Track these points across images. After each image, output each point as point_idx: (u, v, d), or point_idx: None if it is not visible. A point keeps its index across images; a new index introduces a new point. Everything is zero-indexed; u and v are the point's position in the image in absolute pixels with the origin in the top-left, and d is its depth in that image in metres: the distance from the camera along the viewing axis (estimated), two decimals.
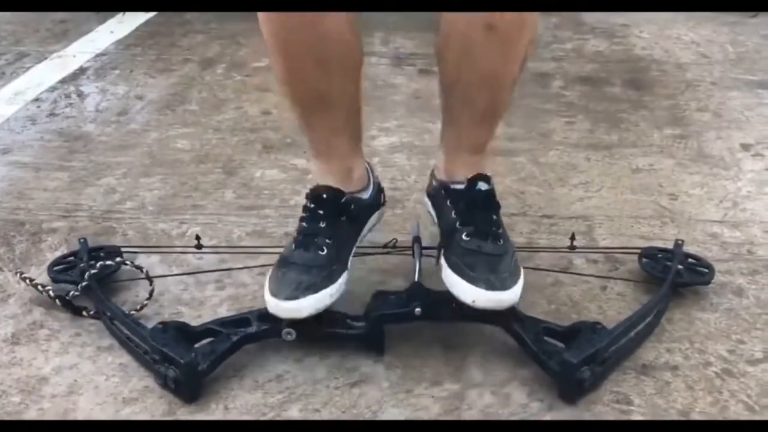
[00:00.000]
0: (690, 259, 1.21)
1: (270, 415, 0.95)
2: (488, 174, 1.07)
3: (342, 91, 1.05)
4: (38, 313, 1.14)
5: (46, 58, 2.21)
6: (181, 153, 1.65)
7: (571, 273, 1.21)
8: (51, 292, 1.12)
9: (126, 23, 2.53)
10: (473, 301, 0.96)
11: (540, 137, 1.71)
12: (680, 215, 1.41)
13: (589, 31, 2.46)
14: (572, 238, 1.24)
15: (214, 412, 0.96)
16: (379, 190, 1.17)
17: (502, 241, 1.02)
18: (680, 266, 1.17)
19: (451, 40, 1.00)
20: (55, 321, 1.12)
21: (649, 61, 2.20)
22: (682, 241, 1.22)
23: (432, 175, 1.16)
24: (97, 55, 2.23)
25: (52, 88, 1.99)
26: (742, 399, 0.98)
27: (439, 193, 1.10)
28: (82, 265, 1.17)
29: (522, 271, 1.01)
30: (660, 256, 1.21)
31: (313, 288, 0.98)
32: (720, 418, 0.95)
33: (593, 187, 1.52)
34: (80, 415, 0.95)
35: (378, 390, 0.99)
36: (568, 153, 1.65)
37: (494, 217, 1.04)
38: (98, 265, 1.14)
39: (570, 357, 0.96)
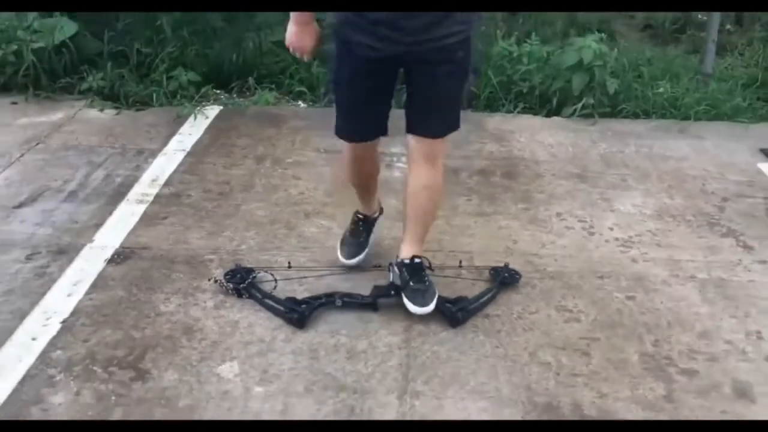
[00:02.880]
0: (511, 270, 2.69)
1: (336, 335, 2.38)
2: (419, 253, 2.52)
3: (373, 183, 2.63)
4: (221, 297, 2.55)
5: (157, 155, 3.61)
6: (262, 218, 3.07)
7: (459, 278, 2.67)
8: (231, 286, 2.54)
9: (196, 126, 3.96)
10: (415, 312, 2.41)
11: (452, 209, 3.18)
12: (516, 251, 2.89)
13: (488, 136, 3.98)
14: (460, 262, 2.72)
15: (311, 331, 2.38)
16: (381, 211, 2.76)
17: (427, 282, 2.46)
18: (506, 274, 2.65)
19: (410, 191, 2.48)
20: (231, 300, 2.53)
21: (520, 159, 3.72)
22: (507, 263, 2.70)
23: (396, 257, 2.58)
24: (188, 153, 3.64)
25: (172, 177, 3.39)
26: (521, 332, 2.45)
27: (399, 265, 2.50)
28: (239, 275, 2.59)
29: (436, 290, 2.45)
30: (498, 269, 2.69)
31: (357, 254, 2.63)
32: (507, 342, 2.41)
33: (477, 237, 2.99)
34: (259, 334, 2.37)
35: (377, 324, 2.43)
36: (465, 218, 3.13)
37: (423, 273, 2.47)
38: (253, 275, 2.56)
39: (453, 309, 2.43)
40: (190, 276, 2.67)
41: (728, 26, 5.88)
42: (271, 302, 2.48)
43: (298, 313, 2.40)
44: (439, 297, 2.47)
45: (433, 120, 2.38)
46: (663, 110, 4.33)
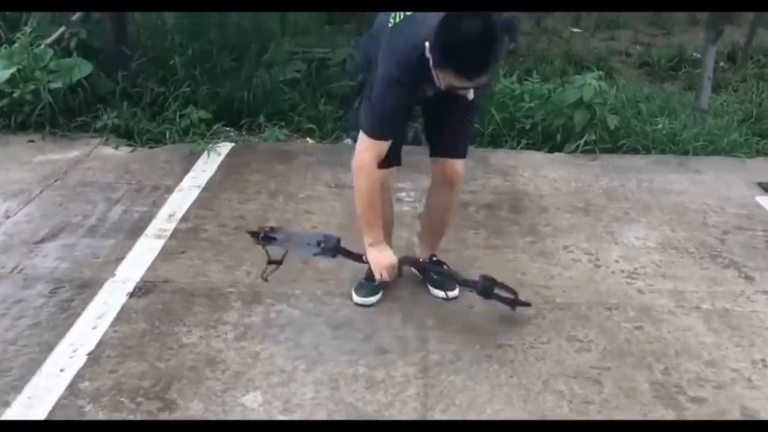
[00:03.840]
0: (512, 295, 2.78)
1: (355, 365, 2.45)
2: (436, 253, 2.79)
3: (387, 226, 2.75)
4: (241, 329, 2.62)
5: (173, 191, 3.70)
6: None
7: (471, 309, 2.76)
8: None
9: (210, 162, 4.07)
10: (448, 296, 2.72)
11: (461, 242, 3.28)
12: (525, 283, 2.98)
13: (492, 171, 4.09)
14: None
15: (330, 362, 2.46)
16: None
17: (446, 274, 2.72)
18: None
19: (431, 211, 2.68)
20: (252, 331, 2.61)
21: (524, 193, 3.83)
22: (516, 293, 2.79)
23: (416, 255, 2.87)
24: (203, 189, 3.74)
25: (188, 212, 3.49)
26: (534, 361, 2.53)
27: (422, 267, 2.78)
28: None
29: (457, 283, 2.71)
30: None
31: (373, 293, 2.79)
32: (520, 371, 2.49)
33: (486, 269, 3.05)
34: (280, 365, 2.44)
35: (394, 354, 2.51)
36: (475, 251, 3.23)
37: (444, 267, 2.77)
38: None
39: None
40: (211, 308, 2.75)
41: (722, 63, 6.06)
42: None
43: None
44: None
45: (462, 143, 2.71)
46: (662, 145, 4.46)
